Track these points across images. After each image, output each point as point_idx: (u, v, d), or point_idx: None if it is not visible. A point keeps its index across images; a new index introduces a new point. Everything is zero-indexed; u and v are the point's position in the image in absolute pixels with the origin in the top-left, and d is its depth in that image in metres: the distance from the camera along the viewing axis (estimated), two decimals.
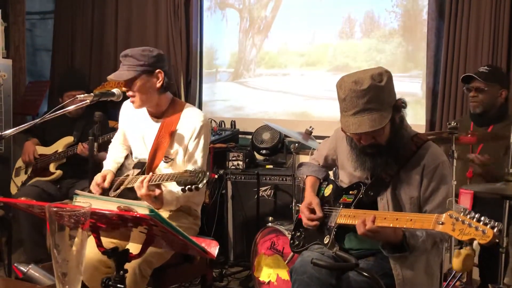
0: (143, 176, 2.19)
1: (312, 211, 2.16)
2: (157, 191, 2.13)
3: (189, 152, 2.35)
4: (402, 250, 1.88)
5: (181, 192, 2.22)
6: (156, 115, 2.44)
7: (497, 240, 2.40)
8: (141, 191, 2.13)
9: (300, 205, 2.26)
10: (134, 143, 2.53)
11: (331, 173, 2.55)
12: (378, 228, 1.81)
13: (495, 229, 1.51)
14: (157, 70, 2.32)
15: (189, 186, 2.00)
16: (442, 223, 1.64)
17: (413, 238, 1.88)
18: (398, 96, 1.98)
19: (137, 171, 2.44)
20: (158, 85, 2.34)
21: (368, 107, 1.84)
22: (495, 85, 2.98)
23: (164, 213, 2.36)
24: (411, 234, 1.87)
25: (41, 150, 3.72)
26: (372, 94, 1.84)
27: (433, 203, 1.95)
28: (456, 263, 1.94)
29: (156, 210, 1.21)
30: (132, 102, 2.35)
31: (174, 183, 2.06)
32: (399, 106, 1.94)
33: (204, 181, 1.99)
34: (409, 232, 1.86)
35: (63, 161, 3.67)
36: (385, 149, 1.97)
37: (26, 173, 3.75)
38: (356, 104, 1.85)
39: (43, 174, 3.67)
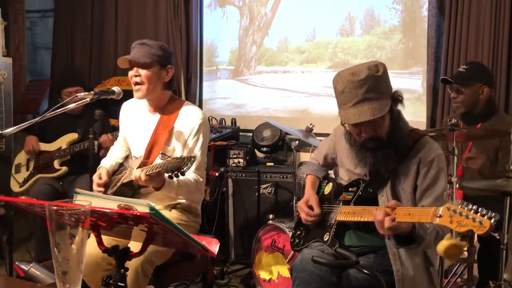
0: (136, 170, 2.19)
1: (310, 208, 2.17)
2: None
3: (189, 148, 2.37)
4: (409, 240, 1.86)
5: (181, 178, 2.19)
6: (155, 110, 2.46)
7: (497, 237, 2.42)
8: (141, 179, 2.12)
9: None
10: (133, 140, 2.54)
11: (331, 171, 2.55)
12: (397, 224, 1.75)
13: (492, 220, 1.51)
14: (169, 66, 2.41)
15: (176, 172, 2.00)
16: (440, 216, 1.64)
17: (422, 228, 1.86)
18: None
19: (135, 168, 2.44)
20: (166, 80, 2.41)
21: (367, 96, 1.84)
22: (474, 83, 2.91)
23: (164, 212, 2.37)
24: (420, 225, 1.85)
25: (43, 146, 3.72)
26: (370, 84, 1.84)
27: (430, 197, 1.94)
28: (440, 246, 1.92)
29: (157, 209, 1.21)
30: (137, 90, 2.35)
31: None
32: (396, 97, 1.94)
33: (189, 166, 1.99)
34: (418, 223, 1.84)
35: (67, 158, 3.67)
36: (386, 142, 1.96)
37: (27, 169, 3.75)
38: (355, 94, 1.85)
39: (47, 171, 3.67)
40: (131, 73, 2.36)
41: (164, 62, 2.38)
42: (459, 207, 1.59)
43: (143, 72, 2.33)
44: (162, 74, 2.38)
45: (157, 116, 2.45)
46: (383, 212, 1.76)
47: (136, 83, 2.34)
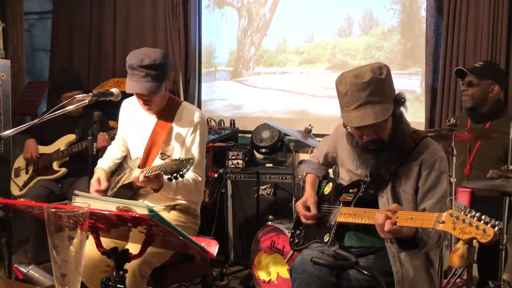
0: (136, 171, 2.19)
1: (307, 209, 2.16)
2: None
3: (186, 147, 2.37)
4: (412, 244, 1.86)
5: (180, 179, 2.21)
6: (154, 112, 2.45)
7: (497, 238, 2.42)
8: (139, 180, 2.12)
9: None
10: (132, 140, 2.54)
11: (330, 170, 2.55)
12: (397, 227, 1.76)
13: (496, 228, 1.50)
14: (170, 74, 2.40)
15: (175, 174, 2.00)
16: (443, 222, 1.63)
17: (425, 233, 1.86)
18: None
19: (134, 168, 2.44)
20: (170, 86, 2.43)
21: (370, 99, 1.84)
22: (487, 80, 2.96)
23: (163, 213, 2.37)
24: (423, 229, 1.84)
25: (42, 149, 3.72)
26: (373, 87, 1.84)
27: (431, 200, 1.94)
28: (454, 258, 1.94)
29: (156, 211, 1.20)
30: (150, 110, 2.37)
31: None
32: (399, 100, 1.94)
33: (188, 168, 1.99)
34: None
35: (66, 159, 3.67)
36: (387, 144, 1.96)
37: (27, 172, 3.75)
38: (358, 97, 1.84)
39: (46, 173, 3.67)
40: (140, 98, 2.35)
41: (165, 75, 2.34)
42: (462, 213, 1.58)
43: (153, 96, 2.32)
44: (166, 86, 2.38)
45: (156, 116, 2.45)
46: (384, 216, 1.76)
47: (146, 105, 2.35)
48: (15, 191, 3.75)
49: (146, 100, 2.33)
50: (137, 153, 2.49)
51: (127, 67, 2.31)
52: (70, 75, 4.18)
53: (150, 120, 2.46)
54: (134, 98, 2.53)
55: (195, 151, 2.37)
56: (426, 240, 1.86)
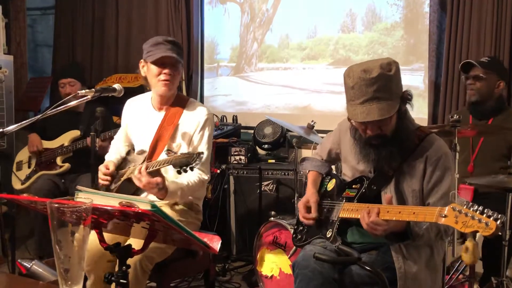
0: (139, 166, 2.19)
1: (308, 209, 2.16)
2: (159, 178, 2.13)
3: (194, 145, 2.38)
4: (405, 238, 1.88)
5: (185, 183, 2.23)
6: (161, 107, 2.48)
7: (499, 233, 2.42)
8: (141, 181, 2.13)
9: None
10: (137, 135, 2.55)
11: (333, 167, 2.55)
12: (382, 221, 1.80)
13: (498, 221, 1.50)
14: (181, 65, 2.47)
15: (184, 167, 2.00)
16: (445, 216, 1.63)
17: (417, 225, 1.88)
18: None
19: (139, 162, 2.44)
20: (180, 78, 2.50)
21: (377, 95, 1.83)
22: (493, 74, 2.96)
23: (165, 208, 2.37)
24: (414, 222, 1.86)
25: (46, 144, 3.73)
26: (381, 83, 1.83)
27: (436, 195, 1.94)
28: (467, 257, 1.95)
29: (158, 206, 1.21)
30: (166, 85, 2.38)
31: (177, 174, 2.07)
32: (405, 97, 1.94)
33: (198, 162, 2.00)
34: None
35: (70, 154, 3.68)
36: (390, 140, 1.96)
37: (29, 166, 3.76)
38: (365, 92, 1.84)
39: (49, 168, 3.69)
40: (163, 70, 2.36)
41: (182, 63, 2.46)
42: (465, 207, 1.58)
43: (175, 71, 2.38)
44: (182, 72, 2.51)
45: (162, 113, 2.47)
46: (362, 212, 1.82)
47: (167, 80, 2.37)
48: (16, 184, 3.77)
49: (169, 74, 2.36)
50: (142, 148, 2.49)
51: (148, 47, 2.37)
52: (69, 64, 4.23)
53: (157, 116, 2.47)
54: (138, 97, 2.58)
55: (203, 149, 2.37)
56: (418, 232, 1.87)
